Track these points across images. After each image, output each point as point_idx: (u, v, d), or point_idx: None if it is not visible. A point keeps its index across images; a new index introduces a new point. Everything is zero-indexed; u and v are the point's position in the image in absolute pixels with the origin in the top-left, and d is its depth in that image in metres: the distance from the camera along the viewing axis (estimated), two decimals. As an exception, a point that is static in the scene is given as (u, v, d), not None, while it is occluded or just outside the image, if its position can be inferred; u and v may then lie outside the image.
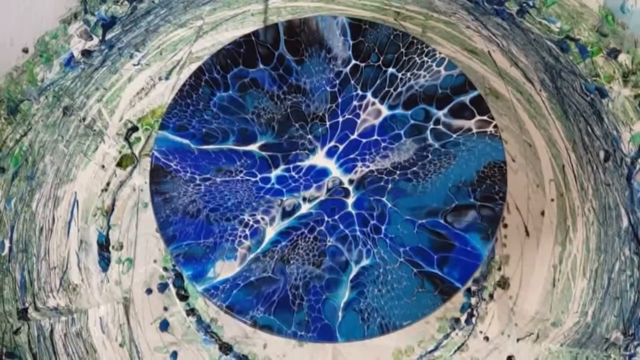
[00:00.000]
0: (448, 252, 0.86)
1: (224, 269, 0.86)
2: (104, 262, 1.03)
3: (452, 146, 0.91)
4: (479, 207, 0.88)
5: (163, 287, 1.02)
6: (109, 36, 1.13)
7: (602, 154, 1.03)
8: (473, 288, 1.01)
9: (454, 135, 0.91)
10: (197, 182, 0.90)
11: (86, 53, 1.11)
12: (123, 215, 1.05)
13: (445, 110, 0.92)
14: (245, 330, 1.00)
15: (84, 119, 1.08)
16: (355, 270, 0.86)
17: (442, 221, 0.87)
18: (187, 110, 0.93)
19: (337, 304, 0.84)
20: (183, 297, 1.02)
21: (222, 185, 0.90)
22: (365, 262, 0.86)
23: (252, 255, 0.87)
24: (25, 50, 1.10)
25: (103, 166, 1.07)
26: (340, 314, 0.84)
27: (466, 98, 0.93)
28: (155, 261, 1.03)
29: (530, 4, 1.11)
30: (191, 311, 1.02)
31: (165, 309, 1.02)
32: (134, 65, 1.11)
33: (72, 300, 1.01)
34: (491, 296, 1.01)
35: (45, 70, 1.10)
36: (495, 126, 0.91)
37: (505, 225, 1.03)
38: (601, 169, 1.02)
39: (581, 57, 1.07)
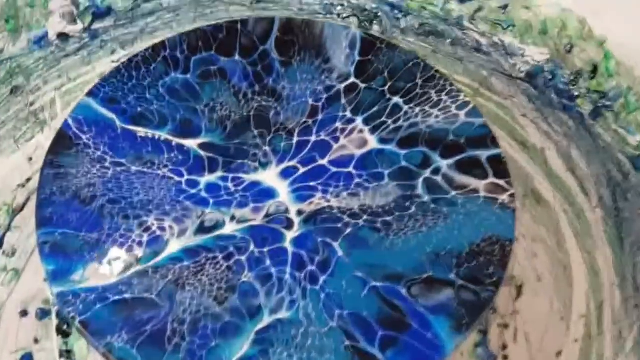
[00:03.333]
0: (399, 332, 0.60)
1: (96, 276, 0.63)
2: (-13, 265, 0.80)
3: (447, 205, 0.67)
4: (459, 287, 0.62)
5: (43, 315, 0.78)
6: (96, 26, 0.95)
7: (655, 300, 0.77)
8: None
9: (453, 193, 0.68)
10: (106, 164, 0.69)
11: (63, 36, 0.94)
12: (30, 220, 0.83)
13: (451, 160, 0.69)
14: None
15: (31, 104, 0.89)
16: (266, 320, 0.61)
17: (403, 291, 0.62)
18: (128, 83, 0.74)
19: (227, 357, 0.59)
20: (64, 334, 0.77)
21: (136, 176, 0.68)
22: (283, 314, 0.61)
23: (139, 267, 0.63)
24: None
25: (31, 159, 0.86)
26: (226, 372, 0.59)
27: (483, 154, 0.70)
28: (45, 281, 0.79)
29: (609, 105, 0.89)
30: (67, 353, 0.77)
31: (36, 340, 0.77)
32: (112, 62, 0.93)
33: None
34: None
35: (9, 41, 0.93)
36: (512, 195, 0.68)
37: (506, 357, 0.77)
38: (651, 318, 0.77)
39: (656, 180, 0.84)
